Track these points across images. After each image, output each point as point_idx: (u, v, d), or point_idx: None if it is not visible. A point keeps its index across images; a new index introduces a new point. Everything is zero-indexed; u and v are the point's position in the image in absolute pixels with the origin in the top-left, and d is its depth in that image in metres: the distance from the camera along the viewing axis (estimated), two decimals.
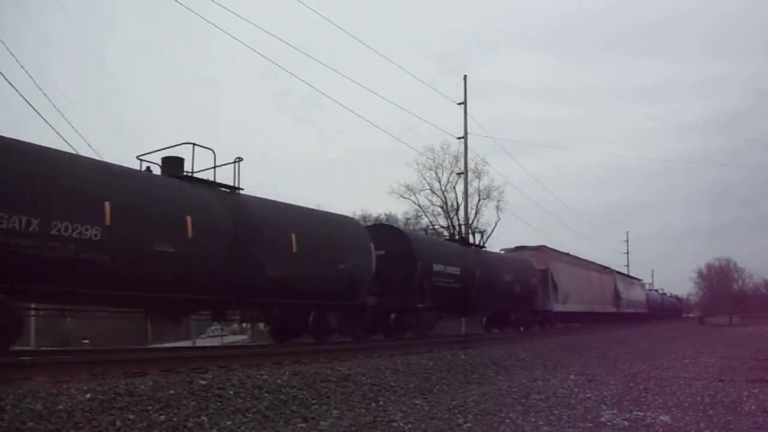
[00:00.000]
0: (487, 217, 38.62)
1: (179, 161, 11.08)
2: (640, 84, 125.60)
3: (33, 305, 9.85)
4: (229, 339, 29.56)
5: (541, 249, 26.10)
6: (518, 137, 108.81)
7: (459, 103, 29.17)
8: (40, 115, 14.12)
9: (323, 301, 12.59)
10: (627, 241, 62.85)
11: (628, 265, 57.92)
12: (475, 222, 36.21)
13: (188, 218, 9.96)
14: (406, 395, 7.12)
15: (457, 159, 35.53)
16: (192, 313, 12.16)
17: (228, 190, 11.59)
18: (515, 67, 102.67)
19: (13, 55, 14.35)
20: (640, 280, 49.39)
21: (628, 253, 61.69)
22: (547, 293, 24.20)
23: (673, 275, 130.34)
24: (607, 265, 38.11)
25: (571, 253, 31.51)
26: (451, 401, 6.65)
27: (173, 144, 11.27)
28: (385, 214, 39.56)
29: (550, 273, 24.80)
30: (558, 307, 25.23)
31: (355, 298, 13.42)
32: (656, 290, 58.71)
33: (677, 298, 70.74)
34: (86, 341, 19.58)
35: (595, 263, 34.60)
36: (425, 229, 32.56)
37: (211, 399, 5.63)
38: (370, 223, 28.98)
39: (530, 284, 22.51)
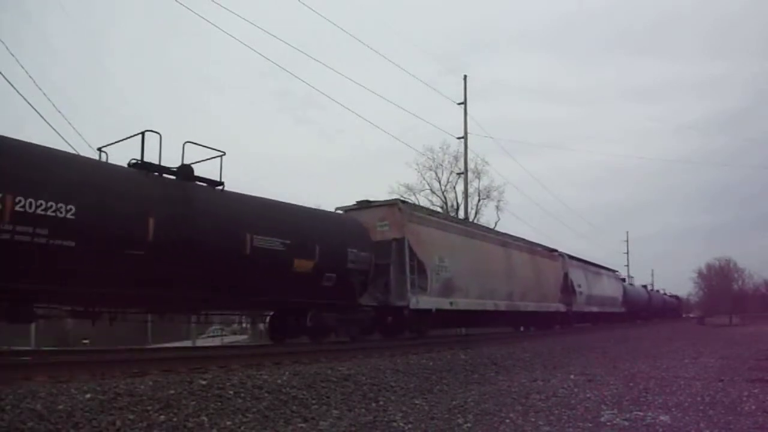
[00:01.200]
0: (487, 217, 38.75)
1: None
2: (640, 84, 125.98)
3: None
4: (229, 339, 29.60)
5: (395, 205, 15.45)
6: (518, 137, 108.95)
7: (459, 103, 29.26)
8: (40, 115, 14.10)
9: None
10: (627, 241, 62.87)
11: (628, 265, 57.97)
12: (475, 222, 36.26)
13: None
14: (406, 395, 7.11)
15: (457, 159, 35.66)
16: None
17: None
18: (515, 67, 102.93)
19: (13, 55, 14.32)
20: (614, 271, 39.21)
21: (628, 253, 61.77)
22: (402, 279, 14.49)
23: (673, 275, 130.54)
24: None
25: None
26: (451, 401, 6.65)
27: None
28: None
29: (409, 245, 14.66)
30: (423, 303, 14.77)
31: None
32: (644, 286, 53.49)
33: (677, 297, 70.23)
34: (86, 341, 19.59)
35: (527, 240, 23.85)
36: None
37: (211, 399, 5.63)
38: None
39: (347, 262, 12.85)
